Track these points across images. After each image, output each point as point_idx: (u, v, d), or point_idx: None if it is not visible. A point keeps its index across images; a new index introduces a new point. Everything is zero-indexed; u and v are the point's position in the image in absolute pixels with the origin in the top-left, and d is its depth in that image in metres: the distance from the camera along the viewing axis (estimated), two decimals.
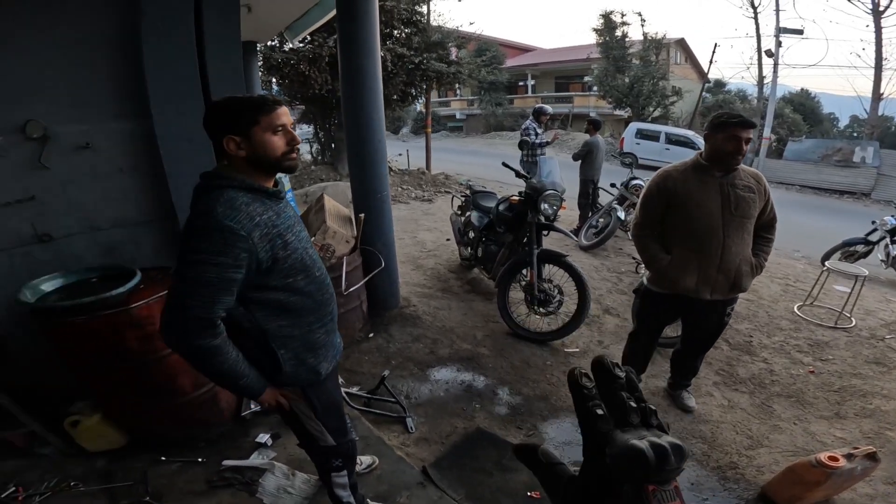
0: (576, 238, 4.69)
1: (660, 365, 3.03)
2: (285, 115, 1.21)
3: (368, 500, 1.88)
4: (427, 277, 4.49)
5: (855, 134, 20.83)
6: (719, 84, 24.05)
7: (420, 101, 11.70)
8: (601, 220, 5.61)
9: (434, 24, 10.85)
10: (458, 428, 2.51)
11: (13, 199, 2.08)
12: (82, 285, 2.03)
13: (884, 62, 15.59)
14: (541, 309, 3.35)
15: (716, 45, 25.12)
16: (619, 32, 19.05)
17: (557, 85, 25.43)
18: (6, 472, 2.13)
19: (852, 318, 3.88)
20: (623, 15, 19.04)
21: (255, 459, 2.19)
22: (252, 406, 2.47)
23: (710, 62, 20.54)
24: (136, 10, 2.11)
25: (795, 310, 4.12)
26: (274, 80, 9.29)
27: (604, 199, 6.14)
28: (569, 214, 6.38)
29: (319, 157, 10.87)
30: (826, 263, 4.47)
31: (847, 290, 4.05)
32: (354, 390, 2.71)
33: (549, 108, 6.32)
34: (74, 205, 2.21)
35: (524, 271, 3.44)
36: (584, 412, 0.57)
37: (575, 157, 6.08)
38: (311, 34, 7.58)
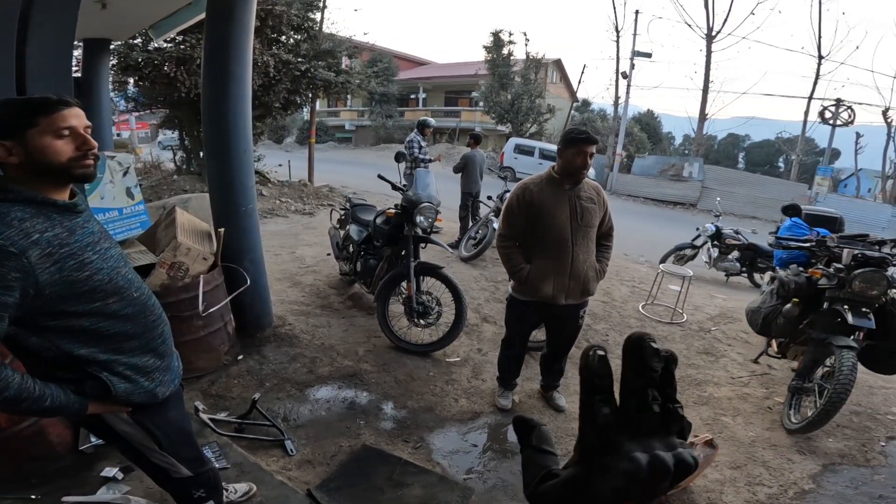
0: (453, 250, 4.88)
1: (533, 368, 3.24)
2: (75, 116, 1.08)
3: None
4: (305, 294, 4.30)
5: (686, 151, 24.97)
6: (586, 103, 27.08)
7: (306, 109, 11.26)
8: (479, 231, 5.92)
9: (326, 31, 10.60)
10: (344, 447, 2.44)
11: None
12: None
13: (710, 84, 18.27)
14: (420, 321, 3.41)
15: (584, 66, 28.47)
16: (505, 51, 20.35)
17: (447, 99, 26.42)
18: None
19: (684, 314, 4.53)
20: (510, 34, 20.41)
21: (105, 495, 1.93)
22: (92, 439, 2.16)
23: (580, 82, 22.89)
24: None
25: (640, 308, 4.71)
26: (131, 80, 8.43)
27: (484, 211, 6.49)
28: (451, 227, 6.65)
29: (184, 167, 9.88)
30: (661, 266, 5.25)
31: (678, 289, 4.72)
32: (222, 416, 2.50)
33: (432, 120, 6.54)
34: None
35: (403, 284, 3.48)
36: (589, 402, 0.49)
37: (455, 170, 6.37)
38: (181, 34, 6.98)
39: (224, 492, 1.69)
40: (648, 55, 18.10)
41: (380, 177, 3.76)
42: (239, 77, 2.94)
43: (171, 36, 7.02)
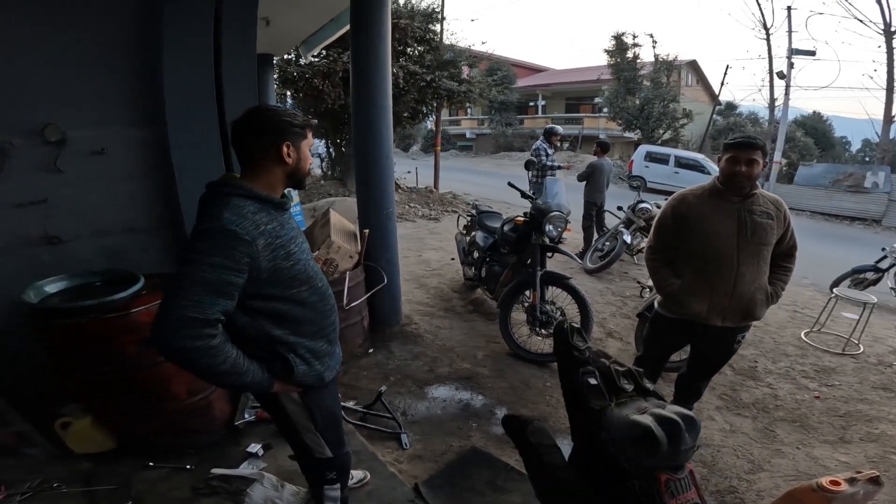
0: (580, 261, 4.67)
1: (661, 389, 2.96)
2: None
3: None
4: (430, 296, 4.48)
5: (867, 158, 20.66)
6: (730, 106, 24.13)
7: (430, 119, 11.79)
8: (607, 243, 5.60)
9: (446, 42, 10.98)
10: (453, 446, 2.47)
11: (27, 201, 2.13)
12: (86, 288, 2.05)
13: (895, 84, 15.30)
14: (542, 330, 3.33)
15: (727, 66, 25.13)
16: (630, 54, 19.14)
17: (568, 106, 25.63)
18: None
19: (860, 345, 3.82)
20: (635, 36, 19.18)
21: (245, 469, 2.16)
22: (246, 416, 2.45)
23: (722, 84, 20.57)
24: (158, 18, 2.17)
25: (802, 336, 4.05)
26: (289, 93, 9.47)
27: (611, 222, 6.13)
28: (574, 237, 6.39)
29: (329, 172, 10.98)
30: (834, 290, 4.41)
31: (855, 317, 4.00)
32: (351, 404, 2.69)
33: (560, 128, 6.37)
34: (85, 209, 2.25)
35: (527, 292, 3.43)
36: (571, 382, 0.50)
37: (579, 178, 6.13)
38: (325, 49, 7.75)
39: None
40: (811, 53, 15.76)
41: (510, 184, 3.75)
42: (380, 87, 3.16)
43: (318, 51, 7.89)
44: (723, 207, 2.12)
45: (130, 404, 2.10)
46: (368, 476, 2.12)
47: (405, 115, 9.60)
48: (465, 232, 4.83)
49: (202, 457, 2.24)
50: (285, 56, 8.37)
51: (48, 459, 2.22)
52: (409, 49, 9.52)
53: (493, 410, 2.81)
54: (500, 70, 23.13)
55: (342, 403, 2.62)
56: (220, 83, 2.32)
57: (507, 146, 23.75)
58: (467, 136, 27.74)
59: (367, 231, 3.11)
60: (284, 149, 1.22)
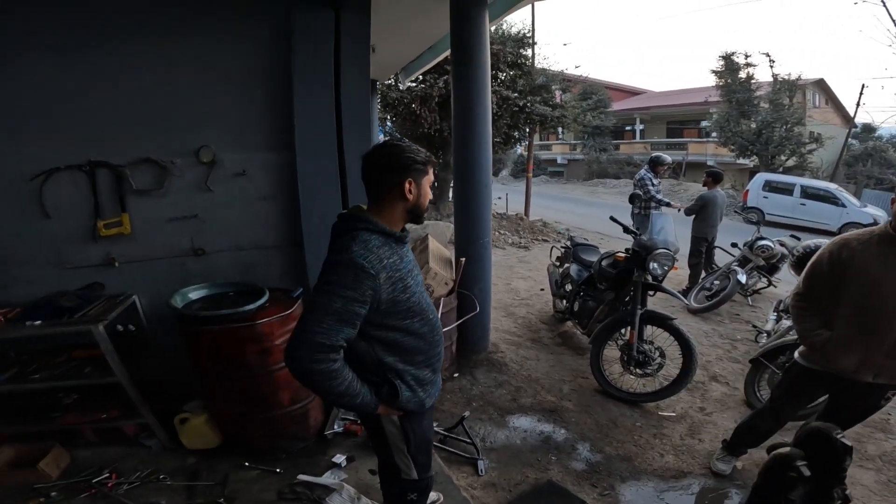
0: (684, 300, 4.32)
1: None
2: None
3: None
4: (518, 326, 4.43)
5: None
6: (869, 129, 21.00)
7: (522, 144, 11.69)
8: (717, 282, 5.11)
9: (538, 66, 10.90)
10: (529, 478, 2.42)
11: (180, 216, 2.49)
12: (222, 297, 2.35)
13: None
14: (637, 370, 3.16)
15: (863, 86, 21.99)
16: (742, 74, 17.49)
17: (669, 130, 23.93)
18: (107, 459, 2.39)
19: None
20: (747, 56, 17.49)
21: (328, 478, 2.27)
22: (336, 427, 2.59)
23: (857, 105, 18.03)
24: (288, 48, 2.40)
25: None
26: (389, 116, 9.97)
27: (721, 258, 5.60)
28: (678, 274, 5.93)
29: None
30: None
31: None
32: (433, 429, 2.74)
33: (667, 157, 5.84)
34: (227, 225, 2.56)
35: (623, 330, 3.26)
36: None
37: (687, 212, 5.58)
38: (422, 74, 8.05)
39: None
40: None
41: (612, 219, 3.61)
42: (481, 115, 3.22)
43: (416, 76, 8.31)
44: (890, 257, 1.85)
45: (242, 406, 2.31)
46: (441, 498, 2.14)
47: (497, 140, 9.63)
48: (558, 264, 4.73)
49: (292, 462, 2.39)
50: (386, 81, 8.81)
51: (161, 452, 2.48)
52: (501, 74, 9.57)
53: (574, 445, 2.71)
54: (594, 94, 22.45)
55: None
56: (340, 110, 2.51)
57: (600, 173, 22.85)
58: (558, 161, 27.18)
59: (463, 259, 3.19)
60: (407, 185, 1.29)
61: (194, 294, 2.33)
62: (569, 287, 4.22)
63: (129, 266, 2.49)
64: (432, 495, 2.09)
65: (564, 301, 4.22)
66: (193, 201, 2.49)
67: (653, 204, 5.44)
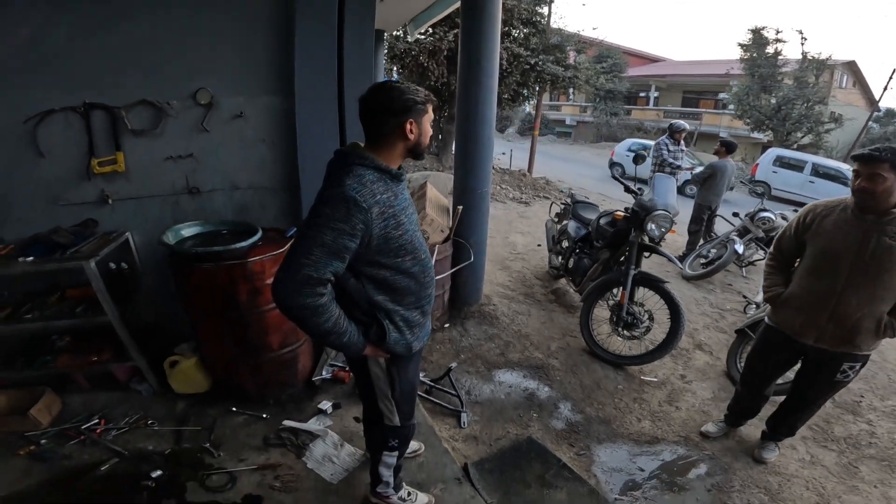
0: (679, 265, 4.35)
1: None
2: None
3: (404, 483, 1.93)
4: (512, 280, 4.47)
5: None
6: (891, 114, 20.39)
7: (530, 102, 11.48)
8: (713, 250, 5.12)
9: (554, 26, 10.64)
10: (510, 433, 2.49)
11: (175, 155, 2.46)
12: (215, 235, 2.34)
13: None
14: (625, 332, 3.21)
15: (894, 70, 21.28)
16: (770, 49, 16.80)
17: (685, 100, 23.41)
18: (98, 405, 2.43)
19: None
20: (778, 31, 16.78)
21: (313, 424, 2.32)
22: (324, 373, 2.64)
23: (885, 88, 17.45)
24: None
25: None
26: (395, 68, 9.76)
27: (721, 229, 5.58)
28: (676, 239, 5.93)
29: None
30: None
31: None
32: (420, 376, 2.79)
33: (685, 124, 5.87)
34: (222, 166, 2.54)
35: (615, 290, 3.29)
36: None
37: (694, 179, 5.56)
38: (431, 27, 7.92)
39: None
40: None
41: (614, 177, 3.57)
42: (487, 68, 3.14)
43: (424, 28, 8.11)
44: (850, 223, 1.93)
45: (232, 349, 2.33)
46: (423, 448, 2.20)
47: (505, 96, 9.55)
48: (556, 220, 4.72)
49: (279, 408, 2.45)
50: (394, 33, 8.60)
51: (151, 397, 2.52)
52: (514, 31, 9.38)
53: (557, 404, 2.78)
54: (609, 57, 21.75)
55: None
56: (342, 58, 2.45)
57: (610, 136, 22.40)
58: (567, 122, 26.63)
59: (460, 208, 3.17)
60: (408, 126, 1.29)
61: (187, 231, 2.32)
62: (565, 244, 4.23)
63: (122, 203, 2.47)
64: (413, 444, 2.15)
65: (560, 257, 4.24)
66: (190, 142, 2.46)
67: (667, 169, 5.47)
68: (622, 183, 3.50)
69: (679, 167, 5.58)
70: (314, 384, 2.62)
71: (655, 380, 3.11)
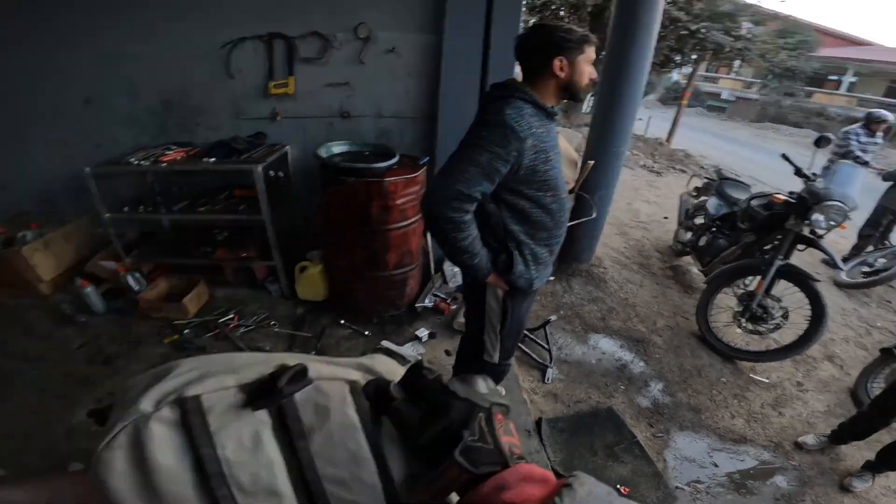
0: (840, 266, 3.74)
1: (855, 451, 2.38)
2: (596, 52, 1.34)
3: None
4: (628, 247, 4.26)
5: None
6: None
7: (682, 70, 10.30)
8: (882, 259, 4.27)
9: None
10: (591, 399, 2.47)
11: (335, 82, 2.74)
12: (358, 155, 2.60)
13: None
14: (749, 325, 2.92)
15: None
16: None
17: (890, 89, 18.88)
18: (236, 300, 2.76)
19: None
20: None
21: (407, 349, 2.46)
22: (426, 302, 2.82)
23: None
24: None
25: None
26: (531, 21, 9.45)
27: None
28: (839, 238, 5.04)
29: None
30: None
31: None
32: (528, 317, 2.88)
33: (889, 115, 4.71)
34: (372, 95, 2.78)
35: (750, 278, 2.98)
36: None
37: (885, 177, 4.55)
38: None
39: None
40: None
41: (784, 156, 3.10)
42: (645, 24, 2.91)
43: None
44: None
45: (354, 260, 2.55)
46: (503, 393, 2.27)
47: (655, 61, 8.66)
48: (695, 193, 4.32)
49: (381, 327, 2.65)
50: None
51: (278, 298, 2.86)
52: None
53: (648, 382, 2.68)
54: (797, 33, 18.24)
55: None
56: (491, 4, 2.47)
57: (776, 117, 19.04)
58: (724, 96, 23.14)
59: (591, 162, 3.07)
60: (557, 63, 1.30)
61: (337, 148, 2.62)
62: (699, 220, 3.89)
63: (288, 121, 2.85)
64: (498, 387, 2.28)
65: (689, 233, 3.92)
66: (347, 71, 2.71)
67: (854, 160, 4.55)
68: (792, 164, 3.04)
69: (867, 163, 4.51)
70: (416, 310, 2.80)
71: (767, 381, 2.83)
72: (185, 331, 2.58)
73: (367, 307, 2.73)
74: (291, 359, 0.58)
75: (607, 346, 2.90)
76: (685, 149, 9.49)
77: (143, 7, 2.52)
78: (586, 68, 1.33)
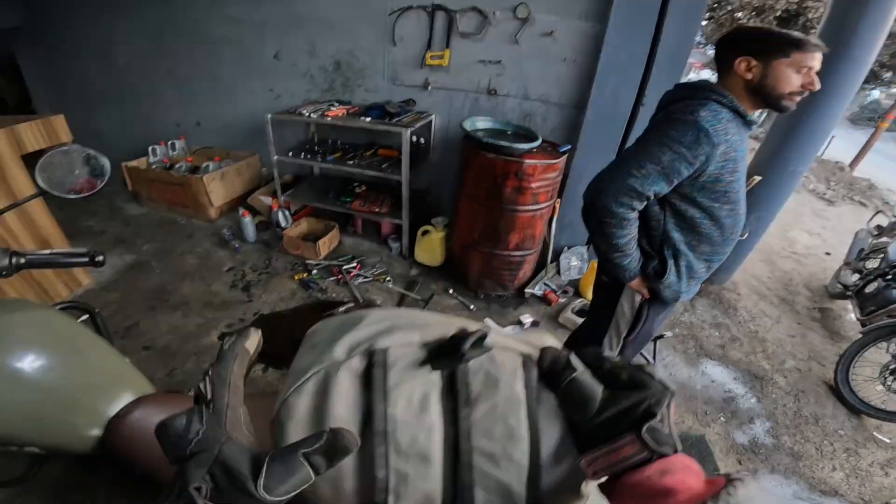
0: None
1: None
2: (818, 60, 1.17)
3: None
4: (772, 277, 3.78)
5: None
6: None
7: (888, 88, 8.57)
8: None
9: None
10: (685, 424, 2.31)
11: (488, 59, 2.81)
12: (501, 132, 2.67)
13: None
14: (895, 384, 2.50)
15: None
16: None
17: None
18: (361, 250, 2.94)
19: None
20: None
21: (508, 332, 2.44)
22: (536, 290, 2.81)
23: None
24: None
25: None
26: (704, 22, 8.55)
27: None
28: None
29: None
30: None
31: None
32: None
33: None
34: (521, 76, 2.80)
35: None
36: None
37: None
38: None
39: None
40: None
41: None
42: (866, 40, 2.52)
43: None
44: None
45: (477, 233, 2.62)
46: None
47: None
48: (876, 232, 3.68)
49: (487, 304, 2.66)
50: None
51: (397, 256, 3.04)
52: None
53: (753, 419, 2.43)
54: None
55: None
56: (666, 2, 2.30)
57: None
58: None
59: (758, 178, 2.77)
60: (741, 64, 1.19)
61: (481, 123, 2.71)
62: (873, 264, 3.32)
63: (437, 91, 3.01)
64: None
65: (857, 275, 3.37)
66: (501, 49, 2.74)
67: None
68: None
69: None
70: (524, 295, 2.81)
71: (889, 441, 2.44)
72: (314, 271, 2.87)
73: (477, 280, 2.81)
74: (472, 324, 0.57)
75: (719, 375, 2.68)
76: (871, 178, 7.93)
77: None
78: (790, 74, 1.16)
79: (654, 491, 0.42)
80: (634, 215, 1.25)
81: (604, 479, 0.47)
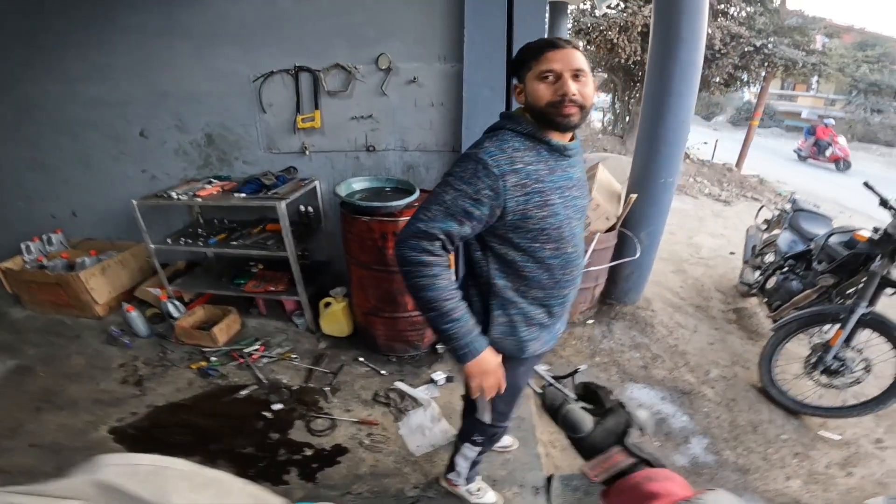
0: None
1: None
2: (559, 60, 1.05)
3: (479, 477, 1.81)
4: (685, 286, 3.84)
5: None
6: None
7: (751, 88, 9.83)
8: None
9: (792, 7, 9.37)
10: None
11: (359, 115, 2.71)
12: (379, 191, 2.53)
13: None
14: (822, 377, 2.49)
15: None
16: None
17: None
18: (265, 331, 2.80)
19: None
20: None
21: (421, 392, 2.35)
22: None
23: None
24: None
25: None
26: (581, 43, 9.38)
27: None
28: None
29: (609, 128, 10.72)
30: None
31: None
32: (542, 369, 2.63)
33: None
34: (396, 127, 2.71)
35: (826, 326, 2.54)
36: None
37: None
38: (623, 0, 7.64)
39: None
40: None
41: (866, 185, 2.66)
42: (688, 41, 2.65)
43: (615, 2, 7.81)
44: None
45: (373, 299, 2.48)
46: (516, 446, 2.06)
47: (717, 80, 8.56)
48: (764, 227, 3.85)
49: (398, 367, 2.55)
50: (580, 6, 8.30)
51: (303, 332, 2.87)
52: (731, 9, 8.54)
53: (689, 438, 2.34)
54: (877, 46, 16.74)
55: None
56: (511, 28, 2.35)
57: (866, 136, 17.22)
58: (804, 115, 21.30)
59: (633, 196, 2.80)
60: (515, 89, 1.15)
61: (357, 185, 2.55)
62: (769, 258, 3.44)
63: (317, 155, 2.86)
64: (507, 439, 2.04)
65: (758, 272, 3.47)
66: (372, 103, 2.67)
67: None
68: (876, 193, 2.59)
69: None
70: (437, 352, 2.68)
71: (838, 438, 2.41)
72: (213, 358, 2.67)
73: (385, 345, 2.66)
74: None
75: (646, 398, 2.60)
76: (759, 174, 8.73)
77: (188, 39, 2.65)
78: (537, 85, 1.07)
79: (643, 494, 0.55)
80: (428, 258, 1.11)
81: (603, 481, 0.62)
